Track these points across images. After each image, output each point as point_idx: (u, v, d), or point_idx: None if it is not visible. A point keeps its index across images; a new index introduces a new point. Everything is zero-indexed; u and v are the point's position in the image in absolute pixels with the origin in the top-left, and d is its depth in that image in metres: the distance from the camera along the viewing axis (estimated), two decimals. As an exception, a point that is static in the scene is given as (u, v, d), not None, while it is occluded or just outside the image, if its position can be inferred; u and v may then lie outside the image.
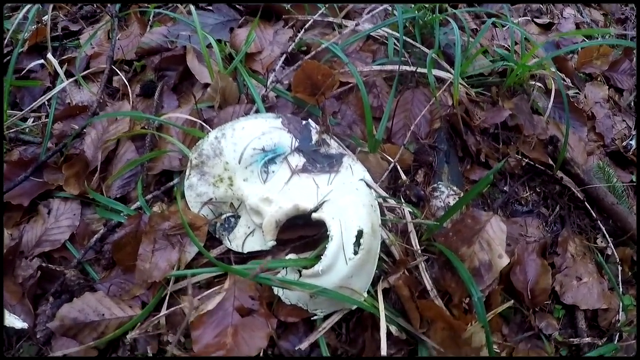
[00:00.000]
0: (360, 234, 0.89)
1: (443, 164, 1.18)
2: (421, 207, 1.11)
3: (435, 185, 1.14)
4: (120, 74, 1.30)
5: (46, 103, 1.33)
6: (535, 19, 1.71)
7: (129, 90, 1.27)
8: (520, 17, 1.69)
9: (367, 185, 0.98)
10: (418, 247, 1.01)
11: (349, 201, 0.94)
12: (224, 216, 1.03)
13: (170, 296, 0.99)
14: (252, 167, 1.02)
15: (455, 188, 1.15)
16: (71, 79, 1.32)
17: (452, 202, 1.12)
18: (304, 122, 1.06)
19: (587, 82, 1.57)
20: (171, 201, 1.11)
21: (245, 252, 0.99)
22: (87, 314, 0.97)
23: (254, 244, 0.99)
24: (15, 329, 0.99)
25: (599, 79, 1.60)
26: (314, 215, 0.94)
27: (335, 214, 0.92)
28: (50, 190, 1.16)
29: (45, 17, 1.48)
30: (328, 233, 0.90)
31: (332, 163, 1.01)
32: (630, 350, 1.14)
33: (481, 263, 0.95)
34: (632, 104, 1.59)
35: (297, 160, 1.02)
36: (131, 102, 1.26)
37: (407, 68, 1.23)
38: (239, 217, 1.03)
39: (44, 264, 1.07)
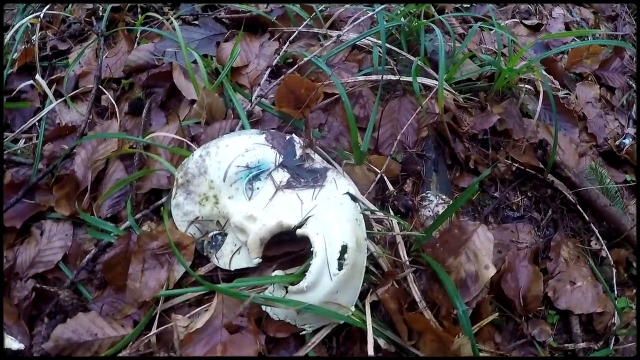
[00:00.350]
0: (344, 249, 0.89)
1: (431, 172, 1.17)
2: (410, 217, 1.11)
3: (424, 194, 1.14)
4: (108, 94, 1.30)
5: (36, 124, 1.34)
6: (523, 21, 1.70)
7: (117, 109, 1.27)
8: (508, 19, 1.67)
9: (352, 198, 0.98)
10: (406, 258, 1.01)
11: (333, 216, 0.94)
12: (210, 234, 1.04)
13: (162, 314, 1.00)
14: (236, 184, 1.02)
15: (444, 197, 1.14)
16: (60, 100, 1.34)
17: (441, 211, 1.11)
18: (287, 137, 1.06)
19: (578, 82, 1.56)
20: (160, 220, 1.11)
21: (232, 269, 1.00)
22: (81, 334, 0.98)
23: (240, 262, 0.99)
24: (12, 350, 1.00)
25: (589, 79, 1.58)
26: (299, 231, 0.94)
27: (320, 230, 0.92)
28: (42, 211, 1.17)
29: (34, 37, 1.50)
30: (312, 249, 0.90)
31: (317, 178, 1.01)
32: (627, 354, 1.13)
33: (467, 274, 0.94)
34: (625, 102, 1.58)
35: (281, 176, 1.02)
36: (119, 121, 1.26)
37: (392, 77, 1.23)
38: (225, 234, 1.03)
39: (38, 285, 1.08)
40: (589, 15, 1.88)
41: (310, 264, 0.89)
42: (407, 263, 1.00)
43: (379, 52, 1.28)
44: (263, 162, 1.03)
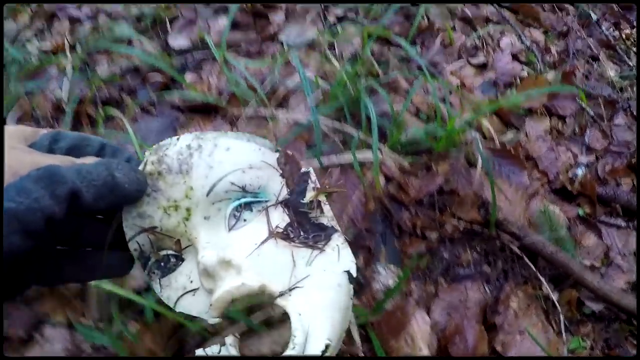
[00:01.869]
0: (326, 348, 0.65)
1: (380, 245, 1.25)
2: (363, 292, 1.20)
3: (374, 267, 1.23)
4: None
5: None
6: (470, 59, 1.69)
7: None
8: (455, 60, 1.67)
9: (350, 279, 0.71)
10: (358, 341, 1.11)
11: (326, 301, 0.68)
12: (163, 253, 0.74)
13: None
14: (220, 204, 0.72)
15: (392, 267, 1.23)
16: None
17: (391, 283, 1.20)
18: (303, 169, 0.77)
19: (527, 116, 1.57)
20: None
21: (176, 310, 0.72)
22: None
23: (191, 307, 0.71)
24: None
25: (539, 112, 1.59)
26: (278, 300, 0.69)
27: (304, 311, 0.68)
28: None
29: None
30: (292, 335, 0.64)
31: (319, 237, 0.72)
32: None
33: (405, 359, 1.04)
34: (577, 129, 1.58)
35: (279, 217, 0.73)
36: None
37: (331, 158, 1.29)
38: (182, 260, 0.74)
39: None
40: (539, 37, 1.85)
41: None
42: (359, 345, 1.11)
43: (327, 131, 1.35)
44: (264, 190, 0.74)
